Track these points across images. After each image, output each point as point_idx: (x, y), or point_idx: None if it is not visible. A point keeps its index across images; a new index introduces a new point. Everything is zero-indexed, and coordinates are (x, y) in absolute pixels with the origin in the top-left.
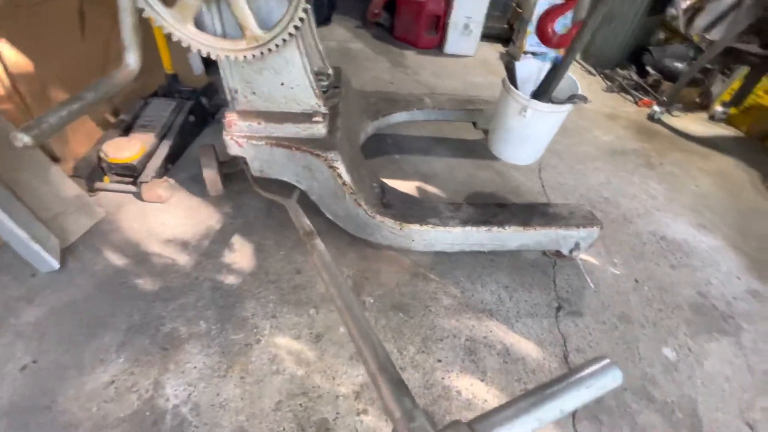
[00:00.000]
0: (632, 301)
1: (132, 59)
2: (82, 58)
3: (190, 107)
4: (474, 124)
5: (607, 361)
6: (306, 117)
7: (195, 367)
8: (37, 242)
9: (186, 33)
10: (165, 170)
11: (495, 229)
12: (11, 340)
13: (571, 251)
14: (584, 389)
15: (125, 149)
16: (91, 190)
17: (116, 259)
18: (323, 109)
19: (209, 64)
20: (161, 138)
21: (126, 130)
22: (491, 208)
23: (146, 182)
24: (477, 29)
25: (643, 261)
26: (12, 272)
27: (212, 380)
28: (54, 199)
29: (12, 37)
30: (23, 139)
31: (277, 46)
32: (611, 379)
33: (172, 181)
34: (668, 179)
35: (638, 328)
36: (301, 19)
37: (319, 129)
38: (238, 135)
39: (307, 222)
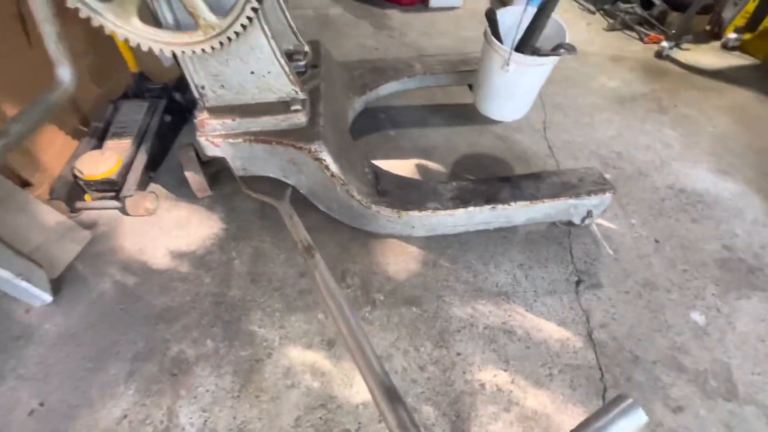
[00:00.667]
0: (655, 265)
1: (65, 74)
2: (34, 65)
3: (165, 106)
4: (470, 86)
5: (629, 401)
6: (284, 106)
7: (207, 391)
8: (23, 279)
9: (132, 30)
10: (148, 179)
11: (500, 206)
12: (15, 385)
13: (583, 219)
14: None
15: (100, 164)
16: (73, 211)
17: (111, 283)
18: (301, 95)
19: None
20: (138, 144)
21: (99, 139)
22: (494, 184)
23: (130, 196)
24: None
25: (663, 218)
26: (4, 311)
27: (227, 402)
28: (33, 229)
29: None
30: None
31: (236, 33)
32: (634, 421)
33: (157, 189)
34: (683, 123)
35: (663, 294)
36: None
37: (299, 118)
38: (213, 135)
39: (305, 235)
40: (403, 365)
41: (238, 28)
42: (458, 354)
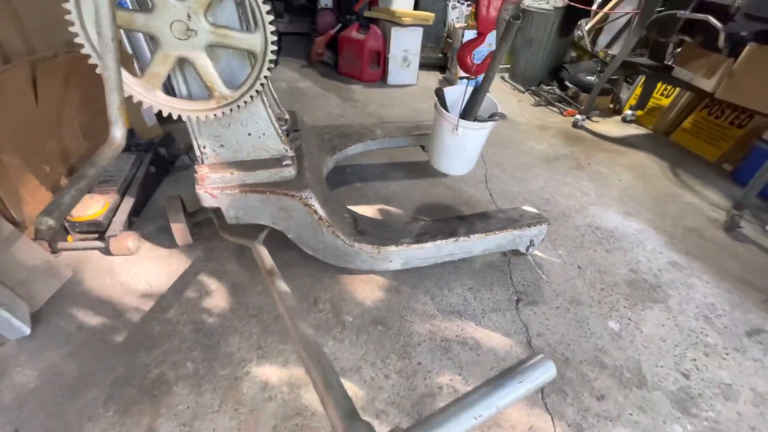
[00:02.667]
0: (578, 285)
1: (119, 134)
2: (38, 122)
3: (150, 159)
4: (422, 147)
5: (540, 356)
6: (276, 162)
7: (188, 408)
8: (5, 309)
9: (156, 99)
10: (130, 223)
11: (461, 239)
12: None
13: (527, 248)
14: (517, 384)
15: (89, 206)
16: (55, 251)
17: (91, 317)
18: (290, 153)
19: (162, 116)
20: (123, 192)
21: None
22: (454, 221)
23: (114, 236)
24: (415, 60)
25: (584, 249)
26: None
27: (207, 416)
28: (18, 265)
29: None
30: (47, 222)
31: (245, 103)
32: (544, 371)
33: (137, 234)
34: (596, 177)
35: (586, 308)
36: (266, 77)
37: (290, 171)
38: (212, 187)
39: (270, 260)
40: (371, 375)
41: (246, 98)
42: (419, 363)
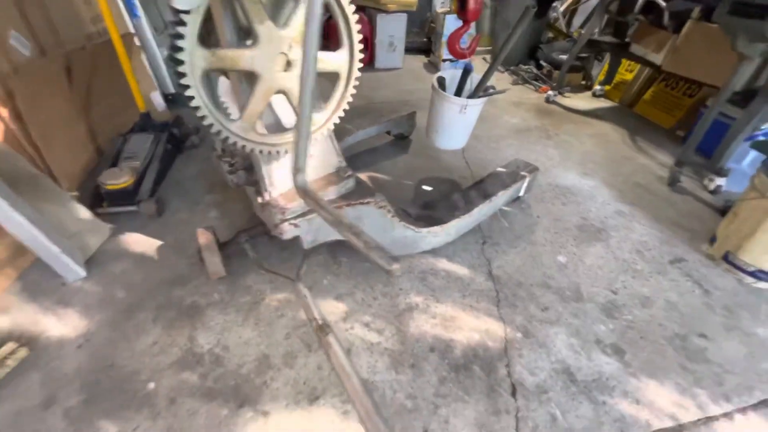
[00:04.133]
0: (536, 231)
1: (301, 179)
2: (71, 102)
3: (166, 138)
4: (388, 132)
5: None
6: (337, 176)
7: (217, 324)
8: (67, 255)
9: (250, 138)
10: (153, 191)
11: (493, 198)
12: (61, 331)
13: (525, 191)
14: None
15: (119, 177)
16: (95, 214)
17: (131, 263)
18: (344, 163)
19: (169, 101)
20: (147, 166)
21: (113, 164)
22: (480, 186)
23: (142, 200)
24: (400, 45)
25: (543, 203)
26: (42, 287)
27: (233, 329)
28: (72, 220)
29: (20, 94)
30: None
31: (328, 129)
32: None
33: (159, 200)
34: (562, 145)
35: (540, 247)
36: (352, 96)
37: (351, 181)
38: (293, 217)
39: (320, 312)
40: (361, 297)
41: (335, 119)
42: (400, 289)
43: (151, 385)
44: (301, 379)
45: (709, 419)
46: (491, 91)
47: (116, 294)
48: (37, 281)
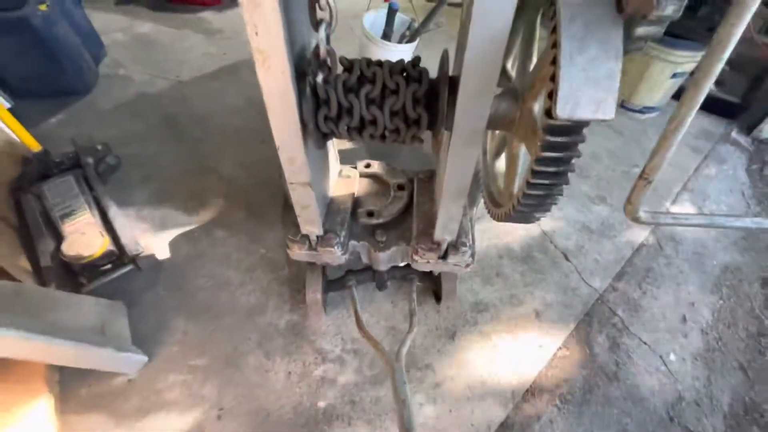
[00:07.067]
0: None
1: None
2: None
3: (86, 172)
4: None
5: None
6: None
7: (328, 326)
8: (122, 349)
9: None
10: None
11: None
12: (187, 418)
13: None
14: None
15: (88, 240)
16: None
17: (180, 324)
18: None
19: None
20: (102, 214)
21: (47, 230)
22: None
23: (140, 254)
24: None
25: None
26: (107, 393)
27: (346, 323)
28: (89, 315)
29: None
30: None
31: None
32: None
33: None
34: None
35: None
36: None
37: None
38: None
39: (406, 392)
40: None
41: None
42: None
43: (322, 404)
44: None
45: None
46: (421, 30)
47: (198, 359)
48: (95, 394)
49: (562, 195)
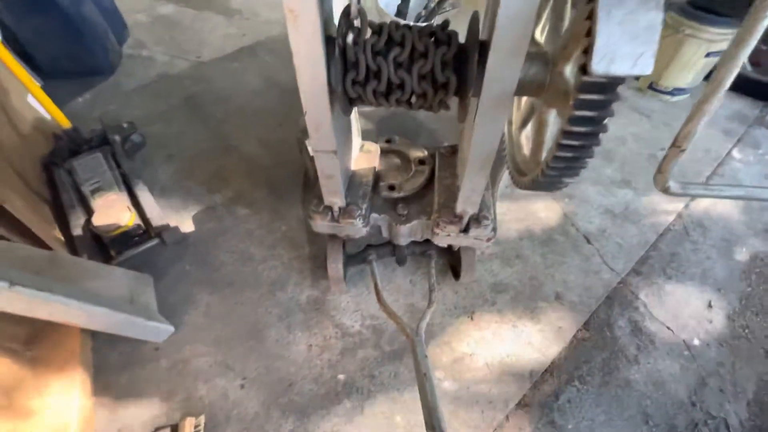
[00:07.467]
0: None
1: None
2: None
3: (114, 149)
4: None
5: None
6: None
7: (348, 302)
8: (151, 318)
9: None
10: None
11: None
12: (212, 385)
13: None
14: None
15: (115, 214)
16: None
17: (204, 296)
18: None
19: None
20: (129, 189)
21: (79, 203)
22: None
23: (166, 226)
24: None
25: None
26: (137, 360)
27: (366, 300)
28: (119, 286)
29: None
30: None
31: None
32: None
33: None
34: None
35: None
36: None
37: None
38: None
39: (428, 365)
40: None
41: None
42: None
43: (342, 377)
44: None
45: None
46: (437, 9)
47: (222, 330)
48: (126, 360)
49: (592, 158)
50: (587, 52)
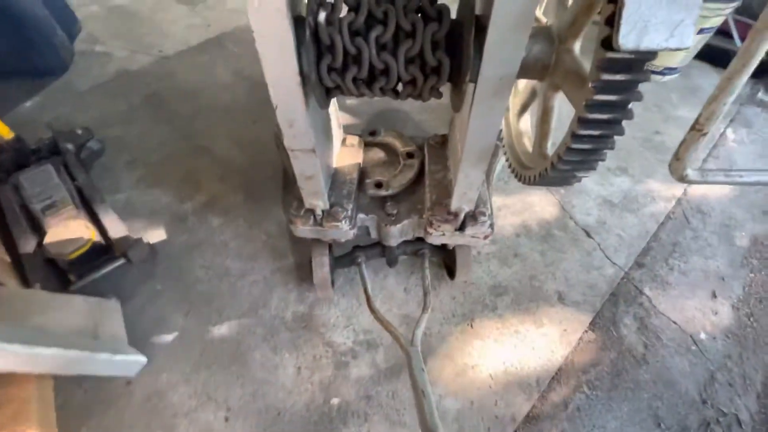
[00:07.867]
0: None
1: None
2: None
3: (66, 159)
4: None
5: None
6: None
7: (338, 317)
8: (119, 352)
9: None
10: None
11: None
12: (202, 415)
13: None
14: None
15: (72, 235)
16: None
17: (178, 320)
18: None
19: None
20: (86, 204)
21: (28, 223)
22: None
23: (132, 247)
24: None
25: None
26: (106, 398)
27: (358, 313)
28: (80, 317)
29: None
30: None
31: None
32: None
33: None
34: None
35: None
36: None
37: None
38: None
39: (425, 379)
40: None
41: None
42: None
43: (336, 401)
44: None
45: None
46: None
47: (200, 356)
48: (93, 397)
49: (612, 149)
50: (610, 22)
